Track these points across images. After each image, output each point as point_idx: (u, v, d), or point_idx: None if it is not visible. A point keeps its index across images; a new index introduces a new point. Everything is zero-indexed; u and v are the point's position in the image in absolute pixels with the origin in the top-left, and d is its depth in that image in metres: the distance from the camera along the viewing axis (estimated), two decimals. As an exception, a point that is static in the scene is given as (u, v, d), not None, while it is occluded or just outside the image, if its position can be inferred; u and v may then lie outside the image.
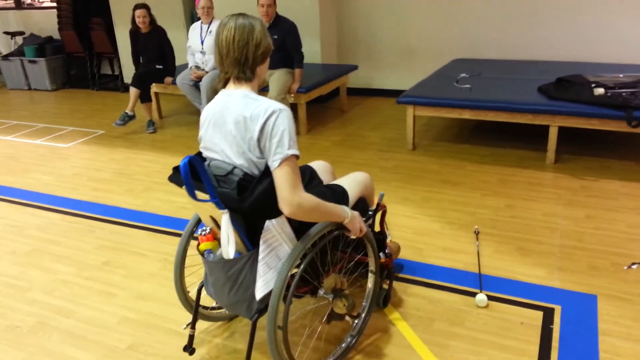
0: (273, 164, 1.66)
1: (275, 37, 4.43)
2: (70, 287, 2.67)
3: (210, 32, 4.88)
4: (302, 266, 1.77)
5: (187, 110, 5.68)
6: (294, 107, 4.72)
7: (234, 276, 1.79)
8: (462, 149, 4.25)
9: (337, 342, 2.14)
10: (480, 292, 2.43)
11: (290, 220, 1.78)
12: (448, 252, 2.79)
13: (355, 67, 5.45)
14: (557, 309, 2.30)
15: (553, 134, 3.78)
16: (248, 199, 1.64)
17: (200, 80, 4.82)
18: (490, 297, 2.40)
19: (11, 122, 5.64)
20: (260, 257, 1.73)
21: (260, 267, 1.74)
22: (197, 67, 4.96)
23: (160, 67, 5.06)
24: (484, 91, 4.11)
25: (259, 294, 1.75)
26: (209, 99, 4.84)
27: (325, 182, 2.26)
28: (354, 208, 2.10)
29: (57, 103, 6.47)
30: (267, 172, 1.69)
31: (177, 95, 5.72)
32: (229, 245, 1.71)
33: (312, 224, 1.81)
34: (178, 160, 4.29)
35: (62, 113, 5.97)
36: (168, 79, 5.08)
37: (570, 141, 4.24)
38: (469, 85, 4.27)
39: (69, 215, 3.46)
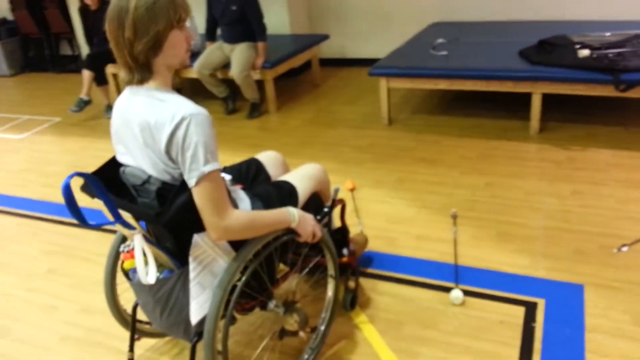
0: (190, 181, 1.38)
1: (234, 7, 4.08)
2: (10, 300, 2.42)
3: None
4: (242, 280, 1.52)
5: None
6: (260, 84, 4.41)
7: (164, 298, 1.54)
8: (441, 121, 3.98)
9: (296, 354, 1.92)
10: (456, 287, 2.20)
11: None
12: (423, 241, 2.55)
13: (326, 37, 5.11)
14: (541, 303, 2.08)
15: (536, 102, 3.51)
16: (165, 214, 1.38)
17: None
18: (467, 292, 2.17)
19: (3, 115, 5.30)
20: (191, 276, 1.48)
21: (193, 288, 1.49)
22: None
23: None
24: (462, 58, 3.81)
25: (194, 318, 1.50)
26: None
27: (274, 177, 2.00)
28: (306, 206, 1.85)
29: (14, 89, 6.10)
30: (183, 187, 1.42)
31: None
32: (149, 268, 1.45)
33: None
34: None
35: (19, 100, 5.62)
36: (126, 59, 4.73)
37: (556, 108, 3.98)
38: (445, 52, 3.97)
39: (15, 217, 3.18)
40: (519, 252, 2.40)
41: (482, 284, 2.22)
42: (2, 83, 6.41)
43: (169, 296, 1.54)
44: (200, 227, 1.45)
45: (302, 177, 1.89)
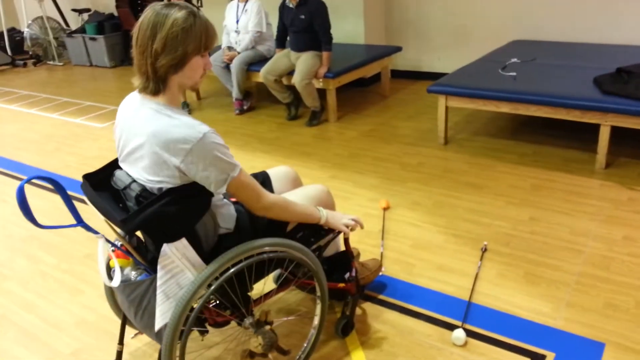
0: (221, 190, 1.53)
1: (303, 17, 4.15)
2: (46, 280, 2.64)
3: (245, 10, 4.68)
4: (205, 296, 1.54)
5: (226, 91, 5.54)
6: (322, 93, 4.44)
7: (137, 300, 1.61)
8: (501, 145, 3.76)
9: (278, 373, 1.92)
10: (462, 325, 2.08)
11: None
12: (442, 272, 2.44)
13: (399, 49, 5.03)
14: (550, 357, 1.91)
15: (604, 134, 3.21)
16: (131, 221, 1.44)
17: (232, 62, 4.66)
18: (473, 334, 2.05)
19: (61, 99, 5.83)
20: (158, 284, 1.54)
21: (159, 296, 1.54)
22: (230, 48, 4.80)
23: (195, 47, 4.95)
24: (530, 81, 3.58)
25: (157, 324, 1.56)
26: (240, 82, 4.68)
27: (283, 191, 2.00)
28: (301, 227, 1.84)
29: (111, 80, 6.63)
30: (164, 194, 1.48)
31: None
32: (114, 274, 1.52)
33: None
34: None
35: (111, 91, 6.10)
36: (202, 60, 4.96)
37: (630, 142, 3.62)
38: (514, 73, 3.76)
39: (75, 200, 3.47)
40: (542, 297, 2.21)
41: (490, 326, 2.08)
42: (101, 73, 7.00)
43: (141, 299, 1.60)
44: (172, 238, 1.51)
45: (303, 197, 1.88)
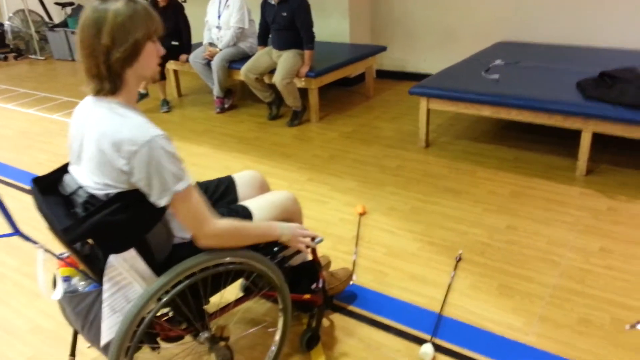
0: (160, 202, 1.40)
1: (285, 14, 4.05)
2: (4, 282, 2.54)
3: (227, 5, 4.58)
4: (153, 310, 1.46)
5: (208, 89, 5.43)
6: (304, 93, 4.36)
7: (84, 313, 1.52)
8: (483, 150, 3.70)
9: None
10: (431, 339, 2.02)
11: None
12: (415, 282, 2.37)
13: (383, 49, 4.95)
14: (519, 376, 1.85)
15: (585, 141, 3.16)
16: (72, 231, 1.35)
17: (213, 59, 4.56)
18: (441, 349, 1.98)
19: (39, 95, 5.70)
20: (104, 296, 1.45)
21: (104, 309, 1.46)
22: (212, 44, 4.69)
23: (176, 43, 4.85)
24: (512, 84, 3.52)
25: (103, 340, 1.47)
26: (221, 80, 4.58)
27: (248, 198, 1.92)
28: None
29: (92, 75, 6.50)
30: (111, 200, 1.39)
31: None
32: (56, 287, 1.44)
33: None
34: (174, 144, 4.08)
35: (92, 86, 5.97)
36: (183, 57, 4.86)
37: (613, 149, 3.57)
38: (497, 76, 3.69)
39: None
40: (515, 311, 2.15)
41: (460, 341, 2.01)
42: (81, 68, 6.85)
43: (88, 311, 1.51)
44: (119, 248, 1.42)
45: (264, 204, 1.80)
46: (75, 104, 5.26)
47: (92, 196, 1.43)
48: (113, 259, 1.43)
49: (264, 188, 2.03)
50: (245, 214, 1.74)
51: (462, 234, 2.71)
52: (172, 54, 4.88)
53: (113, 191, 1.40)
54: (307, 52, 4.14)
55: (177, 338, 1.64)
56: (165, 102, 4.92)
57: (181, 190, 1.39)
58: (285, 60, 4.13)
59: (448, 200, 3.05)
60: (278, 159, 3.73)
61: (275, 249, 1.80)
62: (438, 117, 4.34)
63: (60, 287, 1.46)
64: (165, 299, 1.47)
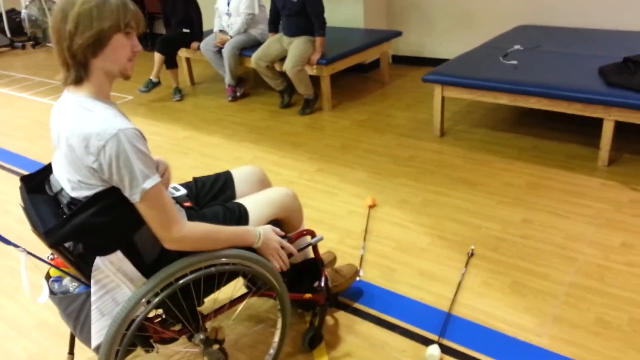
0: (133, 198, 1.33)
1: (295, 0, 3.95)
2: (14, 277, 2.54)
3: (238, -8, 4.49)
4: (143, 313, 1.42)
5: (220, 77, 5.37)
6: (316, 80, 4.26)
7: (74, 315, 1.49)
8: (500, 139, 3.57)
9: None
10: (438, 340, 1.94)
11: None
12: (424, 279, 2.29)
13: (398, 34, 4.81)
14: (530, 380, 1.77)
15: (607, 130, 3.01)
16: (54, 233, 1.31)
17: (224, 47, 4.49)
18: (449, 350, 1.90)
19: (54, 84, 5.70)
20: (92, 299, 1.41)
21: (93, 312, 1.42)
22: (222, 32, 4.62)
23: (187, 31, 4.79)
24: (531, 70, 3.37)
25: (93, 342, 1.44)
26: (232, 68, 4.51)
27: (244, 195, 1.86)
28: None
29: (108, 63, 6.50)
30: (91, 201, 1.34)
31: (214, 60, 5.43)
32: (43, 289, 1.40)
33: None
34: (186, 134, 4.05)
35: (107, 75, 5.96)
36: (194, 44, 4.80)
37: (637, 137, 3.41)
38: (515, 62, 3.54)
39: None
40: (527, 310, 2.06)
41: (469, 342, 1.94)
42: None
43: (79, 313, 1.48)
44: (104, 251, 1.38)
45: (261, 202, 1.73)
46: (89, 93, 5.25)
47: (72, 198, 1.39)
48: (99, 261, 1.38)
49: (264, 184, 1.96)
50: (240, 211, 1.68)
51: (475, 228, 2.62)
52: (184, 41, 4.83)
53: (87, 192, 1.34)
54: (318, 39, 4.04)
55: (172, 340, 1.60)
56: (178, 91, 4.88)
57: (149, 189, 1.32)
58: (295, 47, 4.04)
59: (462, 192, 2.95)
60: (288, 148, 3.66)
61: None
62: (455, 104, 4.21)
63: (46, 290, 1.42)
64: (154, 301, 1.42)
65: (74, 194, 1.38)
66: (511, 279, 2.25)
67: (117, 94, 5.15)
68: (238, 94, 4.71)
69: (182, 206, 1.67)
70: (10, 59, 7.19)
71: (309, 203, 2.95)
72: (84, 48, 1.31)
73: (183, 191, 1.77)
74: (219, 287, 1.62)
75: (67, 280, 1.55)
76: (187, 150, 3.77)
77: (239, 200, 1.74)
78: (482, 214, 2.72)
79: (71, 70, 1.34)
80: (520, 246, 2.45)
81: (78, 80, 1.36)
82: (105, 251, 1.37)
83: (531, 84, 3.17)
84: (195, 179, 1.89)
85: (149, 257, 1.48)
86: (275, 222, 1.76)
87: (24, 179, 1.56)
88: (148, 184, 1.33)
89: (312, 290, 1.92)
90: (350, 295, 2.22)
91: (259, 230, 1.59)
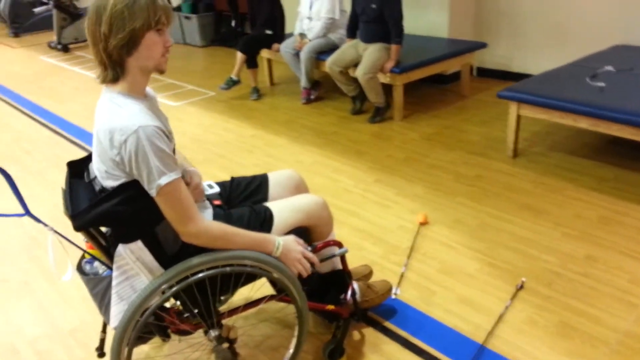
0: (151, 191, 1.40)
1: (374, 6, 3.91)
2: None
3: (319, -4, 4.53)
4: (155, 304, 1.45)
5: (299, 79, 5.46)
6: (388, 89, 4.19)
7: (99, 296, 1.57)
8: (580, 165, 3.31)
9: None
10: (465, 374, 1.83)
11: None
12: (463, 306, 2.17)
13: (482, 45, 4.62)
14: None
15: (701, 167, 2.69)
16: (80, 218, 1.38)
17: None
18: (475, 385, 1.79)
19: (147, 75, 6.07)
20: (113, 284, 1.48)
21: (113, 296, 1.49)
22: (302, 35, 4.68)
23: (270, 32, 4.90)
24: (619, 94, 3.09)
25: (112, 324, 1.51)
26: (308, 71, 4.55)
27: (280, 198, 1.86)
28: (283, 240, 1.69)
29: (198, 59, 6.81)
30: (116, 192, 1.40)
31: (296, 62, 5.51)
32: (68, 268, 1.48)
33: None
34: (254, 133, 4.14)
35: (195, 70, 6.25)
36: (275, 46, 4.90)
37: None
38: (603, 84, 3.27)
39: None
40: (570, 355, 1.89)
41: (498, 380, 1.81)
42: (192, 52, 7.21)
43: (103, 295, 1.56)
44: (126, 239, 1.44)
45: (288, 207, 1.72)
46: (178, 87, 5.54)
47: (102, 186, 1.46)
48: (121, 248, 1.45)
49: (300, 189, 1.95)
50: (266, 215, 1.68)
51: (531, 259, 2.44)
52: (266, 42, 4.94)
53: (112, 182, 1.40)
54: (393, 47, 3.97)
55: (188, 332, 1.63)
56: (255, 90, 5.01)
57: (164, 185, 1.36)
58: (370, 54, 4.00)
59: (524, 219, 2.76)
60: (351, 156, 3.63)
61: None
62: (534, 124, 3.96)
63: (71, 269, 1.50)
64: (168, 293, 1.46)
65: (103, 183, 1.45)
66: (559, 318, 2.07)
67: (200, 89, 5.39)
68: (312, 97, 4.75)
69: (211, 204, 1.70)
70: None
71: (359, 213, 2.90)
72: (119, 48, 1.36)
73: (216, 189, 1.80)
74: (235, 288, 1.63)
75: (98, 263, 1.63)
76: (253, 148, 3.85)
77: (267, 203, 1.74)
78: (541, 245, 2.54)
79: (108, 70, 1.41)
80: (578, 284, 2.25)
81: (115, 79, 1.42)
82: (126, 239, 1.43)
83: (616, 109, 2.91)
84: (232, 178, 1.92)
85: (170, 250, 1.53)
86: (303, 229, 1.74)
87: (70, 164, 1.65)
88: (163, 180, 1.37)
89: (337, 301, 1.88)
90: (382, 312, 2.15)
91: (278, 240, 1.58)
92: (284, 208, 1.71)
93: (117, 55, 1.38)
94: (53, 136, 4.34)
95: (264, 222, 1.66)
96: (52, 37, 8.01)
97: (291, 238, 1.62)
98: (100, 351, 1.89)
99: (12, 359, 2.03)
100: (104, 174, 1.42)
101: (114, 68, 1.40)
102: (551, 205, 2.88)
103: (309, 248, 1.69)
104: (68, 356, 2.02)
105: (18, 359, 2.03)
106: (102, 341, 1.90)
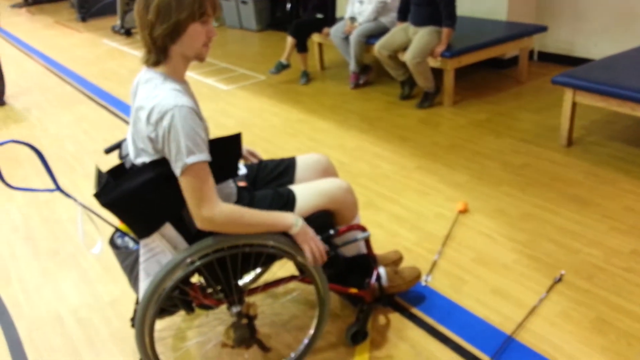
0: (176, 170, 1.44)
1: (424, -12, 3.82)
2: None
3: (373, -21, 4.46)
4: (175, 278, 1.50)
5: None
6: (438, 73, 4.09)
7: (129, 268, 1.65)
8: (637, 157, 3.11)
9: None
10: (490, 364, 1.79)
11: None
12: (495, 297, 2.11)
13: (543, 29, 4.40)
14: None
15: None
16: (104, 195, 1.44)
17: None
18: (498, 377, 1.75)
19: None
20: (140, 260, 1.54)
21: (141, 272, 1.55)
22: (352, 19, 4.63)
23: (321, 16, 4.88)
24: (686, 81, 2.87)
25: (140, 298, 1.58)
26: (357, 55, 4.52)
27: (306, 181, 1.88)
28: (308, 221, 1.71)
29: (253, 44, 6.90)
30: (143, 169, 1.46)
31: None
32: (97, 242, 1.55)
33: None
34: (300, 117, 4.17)
35: (249, 54, 6.34)
36: (326, 30, 4.88)
37: None
38: (668, 70, 3.05)
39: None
40: (603, 351, 1.80)
41: (523, 374, 1.75)
42: (247, 37, 7.31)
43: (132, 268, 1.63)
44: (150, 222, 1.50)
45: (310, 190, 1.73)
46: (230, 71, 5.65)
47: (133, 164, 1.52)
48: (148, 226, 1.51)
49: (328, 173, 1.95)
50: (288, 197, 1.70)
51: (573, 252, 2.33)
52: (316, 26, 4.94)
53: (145, 159, 1.46)
54: (445, 30, 3.86)
55: (208, 306, 1.68)
56: (305, 74, 5.03)
57: (190, 164, 1.39)
58: (420, 37, 3.91)
59: (570, 211, 2.64)
60: (394, 141, 3.59)
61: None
62: (594, 112, 3.76)
63: (100, 242, 1.58)
64: (190, 268, 1.51)
65: (135, 161, 1.51)
66: (596, 313, 1.97)
67: (251, 73, 5.47)
68: (361, 81, 4.71)
69: (236, 185, 1.74)
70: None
71: (397, 199, 2.87)
72: (163, 36, 1.42)
73: (243, 171, 1.84)
74: (255, 267, 1.66)
75: (128, 237, 1.71)
76: (297, 132, 3.88)
77: (292, 186, 1.76)
78: (586, 238, 2.42)
79: (152, 53, 1.47)
80: (620, 280, 2.13)
81: (157, 63, 1.49)
82: (151, 222, 1.49)
83: (680, 96, 2.71)
84: (260, 161, 1.95)
85: (194, 227, 1.57)
86: (327, 212, 1.75)
87: (108, 149, 1.74)
88: (190, 160, 1.40)
89: (360, 285, 1.88)
90: (411, 299, 2.14)
91: (298, 219, 1.58)
92: (307, 191, 1.73)
93: (161, 42, 1.44)
94: (111, 117, 4.56)
95: (286, 204, 1.68)
96: (116, 21, 8.37)
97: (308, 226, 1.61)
98: (134, 322, 1.99)
99: (55, 325, 2.17)
100: (138, 152, 1.49)
101: (158, 53, 1.46)
102: (601, 197, 2.74)
103: (332, 232, 1.70)
104: (105, 325, 2.14)
105: (60, 325, 2.17)
106: (136, 312, 2.01)
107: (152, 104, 1.41)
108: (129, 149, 1.57)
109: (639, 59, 3.32)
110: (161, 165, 1.46)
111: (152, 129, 1.42)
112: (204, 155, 1.43)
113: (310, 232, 1.60)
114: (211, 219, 1.44)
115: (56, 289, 2.39)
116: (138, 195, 1.45)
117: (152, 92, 1.44)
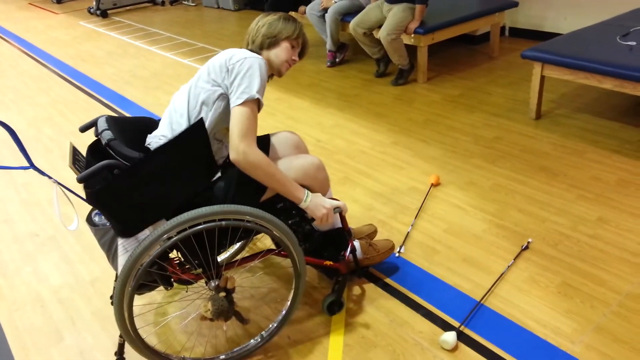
0: (237, 100, 1.61)
1: (397, -35, 3.83)
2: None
3: (348, -44, 4.45)
4: (154, 253, 1.54)
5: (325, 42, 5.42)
6: (412, 50, 4.13)
7: (107, 245, 1.68)
8: (604, 128, 3.21)
9: (247, 337, 1.90)
10: (459, 328, 1.88)
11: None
12: (466, 265, 2.20)
13: (514, 4, 4.45)
14: (546, 387, 1.65)
15: None
16: (83, 179, 1.47)
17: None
18: (469, 340, 1.83)
19: (180, 39, 6.17)
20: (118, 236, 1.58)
21: (119, 248, 1.59)
22: (328, -4, 4.63)
23: (296, -6, 4.88)
24: (649, 53, 2.96)
25: (119, 274, 1.61)
26: (333, 33, 4.53)
27: (278, 158, 1.91)
28: (280, 198, 1.76)
29: (230, 23, 6.85)
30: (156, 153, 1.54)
31: (324, 25, 5.46)
32: (74, 219, 1.58)
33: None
34: (278, 96, 4.18)
35: (225, 34, 6.30)
36: (302, 8, 4.88)
37: None
38: (633, 43, 3.13)
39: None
40: (568, 314, 1.90)
41: (492, 336, 1.84)
42: (225, 16, 7.25)
43: (110, 244, 1.67)
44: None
45: (284, 167, 1.77)
46: (209, 51, 5.61)
47: (111, 139, 1.56)
48: (124, 203, 1.54)
49: (300, 149, 2.00)
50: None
51: (541, 220, 2.43)
52: (293, 5, 4.93)
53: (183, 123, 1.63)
54: (418, 7, 3.89)
55: (189, 282, 1.73)
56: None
57: (255, 98, 1.61)
58: (394, 14, 3.93)
59: (539, 181, 2.73)
60: (371, 118, 3.64)
61: (294, 211, 1.80)
62: (563, 85, 3.85)
63: (77, 219, 1.61)
64: (167, 244, 1.54)
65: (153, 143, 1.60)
66: (561, 278, 2.07)
67: (230, 53, 5.43)
68: (337, 59, 4.74)
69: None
70: (150, 14, 7.88)
71: (373, 174, 2.93)
72: (262, 39, 1.80)
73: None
74: (232, 242, 1.71)
75: (105, 216, 1.74)
76: (275, 111, 3.91)
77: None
78: (553, 207, 2.51)
79: (247, 47, 1.82)
80: (585, 246, 2.23)
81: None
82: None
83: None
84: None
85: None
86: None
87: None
88: (257, 95, 1.62)
89: (335, 258, 1.94)
90: (385, 269, 2.21)
91: (308, 194, 1.72)
92: (281, 167, 1.76)
93: (259, 42, 1.80)
94: (87, 99, 4.52)
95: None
96: (92, 2, 8.21)
97: (319, 194, 1.77)
98: (113, 299, 2.03)
99: (37, 306, 2.20)
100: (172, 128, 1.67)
101: (252, 50, 1.77)
102: (568, 167, 2.83)
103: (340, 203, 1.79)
104: (86, 304, 2.18)
105: (42, 306, 2.20)
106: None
107: (234, 52, 1.68)
108: (162, 125, 1.74)
109: (606, 32, 3.40)
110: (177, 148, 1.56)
111: (233, 62, 1.64)
112: (262, 102, 1.66)
113: (320, 203, 1.74)
114: (246, 153, 1.59)
115: (37, 271, 2.41)
116: (106, 194, 1.48)
117: (237, 52, 1.69)
